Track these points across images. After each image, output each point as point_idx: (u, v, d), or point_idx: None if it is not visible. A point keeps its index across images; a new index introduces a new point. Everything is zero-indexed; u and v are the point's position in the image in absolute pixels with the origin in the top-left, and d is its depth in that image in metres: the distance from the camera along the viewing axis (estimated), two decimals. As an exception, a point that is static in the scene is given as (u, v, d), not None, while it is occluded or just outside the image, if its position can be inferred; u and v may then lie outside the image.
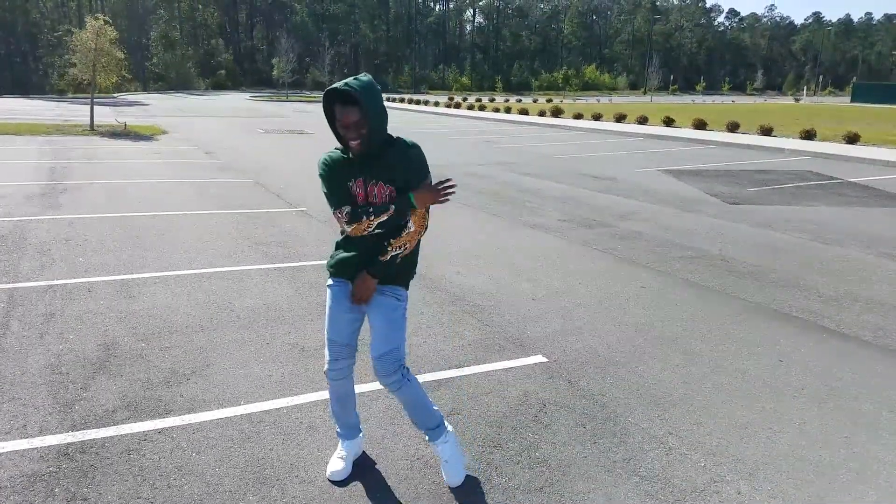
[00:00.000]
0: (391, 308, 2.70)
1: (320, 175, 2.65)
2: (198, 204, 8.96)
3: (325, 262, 2.82)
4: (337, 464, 2.90)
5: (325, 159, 2.65)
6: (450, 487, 2.83)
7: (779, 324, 4.89)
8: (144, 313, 4.74)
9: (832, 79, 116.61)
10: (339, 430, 2.98)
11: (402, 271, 2.72)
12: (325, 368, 2.85)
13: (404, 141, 2.62)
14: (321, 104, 2.62)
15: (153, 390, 3.59)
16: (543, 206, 9.39)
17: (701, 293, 5.58)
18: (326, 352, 2.82)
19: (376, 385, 3.50)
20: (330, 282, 2.81)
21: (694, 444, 3.20)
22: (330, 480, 2.84)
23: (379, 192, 2.58)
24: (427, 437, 2.89)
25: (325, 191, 2.64)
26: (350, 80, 2.49)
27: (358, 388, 3.61)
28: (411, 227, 2.60)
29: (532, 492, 2.80)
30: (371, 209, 2.55)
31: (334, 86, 2.49)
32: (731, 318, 4.99)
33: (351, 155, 2.58)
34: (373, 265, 2.63)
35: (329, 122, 2.59)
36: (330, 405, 2.96)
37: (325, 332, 2.81)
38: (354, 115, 2.44)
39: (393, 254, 2.62)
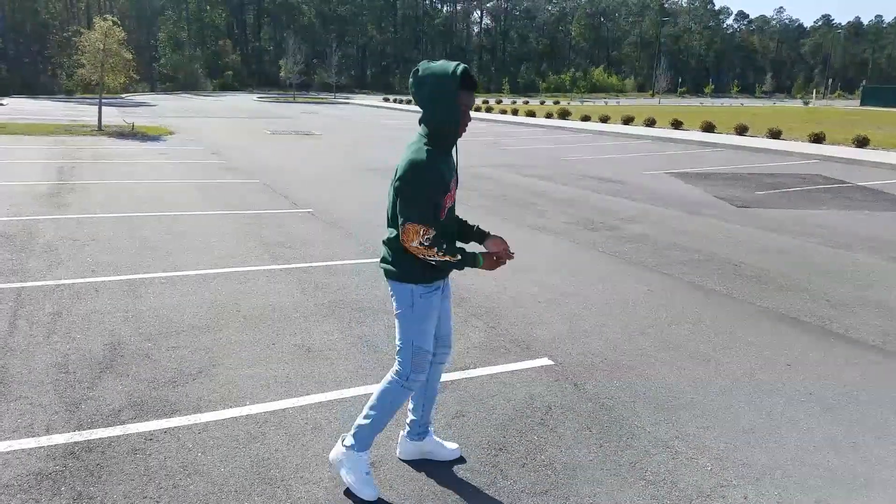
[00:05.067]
0: (450, 296, 2.91)
1: (429, 177, 2.40)
2: (205, 204, 8.99)
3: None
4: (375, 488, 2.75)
5: (433, 161, 2.40)
6: (449, 461, 3.00)
7: (786, 328, 4.86)
8: (151, 313, 4.76)
9: (842, 82, 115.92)
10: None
11: None
12: (407, 384, 2.69)
13: None
14: (446, 85, 2.34)
15: (159, 390, 3.60)
16: (550, 209, 9.37)
17: (708, 296, 5.55)
18: (415, 363, 2.66)
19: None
20: (423, 289, 2.59)
21: (700, 448, 3.19)
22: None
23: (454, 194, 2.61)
24: (422, 432, 2.97)
25: (426, 197, 2.41)
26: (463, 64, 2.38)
27: (364, 390, 3.62)
28: None
29: (537, 495, 2.79)
30: (445, 246, 2.47)
31: (462, 69, 2.34)
32: (738, 321, 4.97)
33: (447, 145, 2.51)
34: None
35: (447, 108, 2.38)
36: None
37: (422, 345, 2.64)
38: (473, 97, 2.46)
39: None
